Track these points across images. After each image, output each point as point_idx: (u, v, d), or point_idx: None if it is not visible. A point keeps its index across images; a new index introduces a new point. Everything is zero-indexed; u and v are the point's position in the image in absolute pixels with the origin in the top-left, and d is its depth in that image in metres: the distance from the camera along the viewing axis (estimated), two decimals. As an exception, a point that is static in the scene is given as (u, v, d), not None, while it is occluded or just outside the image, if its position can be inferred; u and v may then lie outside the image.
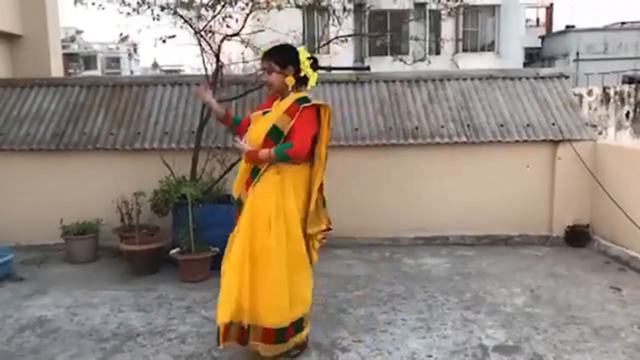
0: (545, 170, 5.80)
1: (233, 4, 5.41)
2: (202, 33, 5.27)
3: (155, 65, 48.07)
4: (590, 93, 9.30)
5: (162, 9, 5.28)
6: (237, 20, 5.53)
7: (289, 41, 5.56)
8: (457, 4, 6.56)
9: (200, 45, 5.29)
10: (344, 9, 5.96)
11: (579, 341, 3.51)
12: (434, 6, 7.20)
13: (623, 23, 27.22)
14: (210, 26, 5.36)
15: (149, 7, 5.29)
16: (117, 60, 49.74)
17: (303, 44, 6.62)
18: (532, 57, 26.25)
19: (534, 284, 4.55)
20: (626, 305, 4.10)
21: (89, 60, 48.64)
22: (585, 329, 3.68)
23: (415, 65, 7.77)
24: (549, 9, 31.18)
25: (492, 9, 23.66)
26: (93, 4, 5.67)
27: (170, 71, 34.56)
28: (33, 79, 6.34)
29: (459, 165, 5.79)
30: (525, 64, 24.00)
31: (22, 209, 5.68)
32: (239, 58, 5.95)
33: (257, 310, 3.07)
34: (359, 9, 15.24)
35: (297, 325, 3.20)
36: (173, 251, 4.83)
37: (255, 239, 3.11)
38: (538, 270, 4.95)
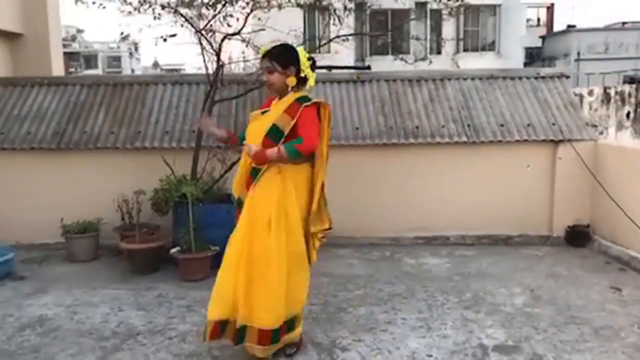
0: (546, 170, 5.80)
1: (234, 3, 5.41)
2: (203, 32, 5.27)
3: (156, 64, 48.13)
4: (590, 93, 9.30)
5: (163, 7, 5.28)
6: (237, 19, 5.54)
7: (290, 40, 5.57)
8: (458, 3, 6.55)
9: (201, 44, 5.30)
10: (345, 8, 5.95)
11: (579, 341, 3.51)
12: (434, 6, 7.18)
13: (624, 23, 27.23)
14: (211, 25, 5.36)
15: (150, 6, 5.29)
16: (118, 59, 49.78)
17: (304, 43, 6.61)
18: (533, 56, 26.27)
19: (534, 284, 4.56)
20: (626, 305, 4.10)
21: (90, 59, 48.69)
22: (585, 329, 3.68)
23: (416, 65, 7.75)
24: (550, 8, 31.21)
25: (493, 9, 23.66)
26: (94, 3, 5.68)
27: (171, 70, 34.61)
28: (34, 77, 6.34)
29: (460, 165, 5.79)
30: (526, 64, 24.02)
31: (22, 208, 5.68)
32: (239, 57, 5.95)
33: (252, 311, 3.06)
34: (359, 8, 15.24)
35: (290, 324, 3.20)
36: (173, 250, 4.83)
37: (255, 238, 3.10)
38: (538, 270, 4.95)
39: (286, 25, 6.03)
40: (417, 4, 19.37)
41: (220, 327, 3.12)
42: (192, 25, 5.27)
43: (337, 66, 7.93)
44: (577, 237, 5.69)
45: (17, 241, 5.48)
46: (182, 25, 5.35)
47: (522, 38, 24.38)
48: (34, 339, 3.60)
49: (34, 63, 7.32)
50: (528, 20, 29.59)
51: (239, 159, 3.64)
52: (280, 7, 5.64)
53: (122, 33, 7.00)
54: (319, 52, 7.41)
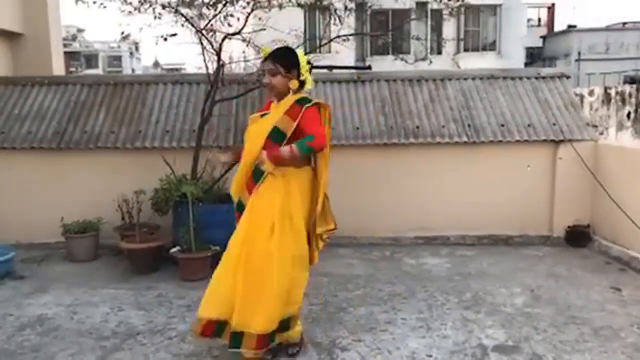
0: (546, 170, 5.80)
1: (234, 2, 5.41)
2: (204, 32, 5.27)
3: (156, 64, 48.14)
4: (591, 93, 9.31)
5: (164, 7, 5.28)
6: (238, 19, 5.54)
7: (291, 40, 5.57)
8: (459, 3, 6.55)
9: (202, 44, 5.30)
10: (346, 8, 5.95)
11: (579, 341, 3.51)
12: (435, 6, 7.18)
13: (625, 23, 27.20)
14: (212, 25, 5.37)
15: (150, 5, 5.29)
16: (118, 58, 49.80)
17: (304, 43, 6.60)
18: (534, 56, 26.26)
19: (534, 284, 4.55)
20: (626, 306, 4.10)
21: (91, 59, 48.72)
22: (585, 329, 3.68)
23: (416, 65, 7.76)
24: (551, 8, 31.20)
25: (494, 9, 23.65)
26: (94, 2, 5.68)
27: (172, 70, 34.63)
28: (34, 77, 6.34)
29: (460, 165, 5.79)
30: (526, 64, 24.01)
31: (22, 208, 5.68)
32: (240, 57, 5.96)
33: (250, 317, 3.02)
34: (360, 8, 15.23)
35: (285, 324, 3.19)
36: (173, 250, 4.83)
37: (255, 243, 3.07)
38: (538, 270, 4.95)
39: (287, 25, 6.03)
40: (417, 4, 19.38)
41: (217, 327, 3.12)
42: (192, 25, 5.27)
43: (337, 66, 7.93)
44: (577, 237, 5.69)
45: (17, 240, 5.48)
46: (182, 25, 5.35)
47: (523, 38, 24.37)
48: (33, 339, 3.60)
49: (34, 62, 7.32)
50: (529, 20, 29.59)
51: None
52: (280, 6, 5.64)
53: (122, 33, 6.99)
54: (320, 52, 7.41)
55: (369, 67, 10.13)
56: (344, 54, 11.34)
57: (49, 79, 6.37)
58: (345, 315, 3.93)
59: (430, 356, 3.33)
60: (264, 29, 5.66)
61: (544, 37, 27.38)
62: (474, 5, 19.47)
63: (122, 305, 4.16)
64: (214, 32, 5.39)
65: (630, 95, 8.34)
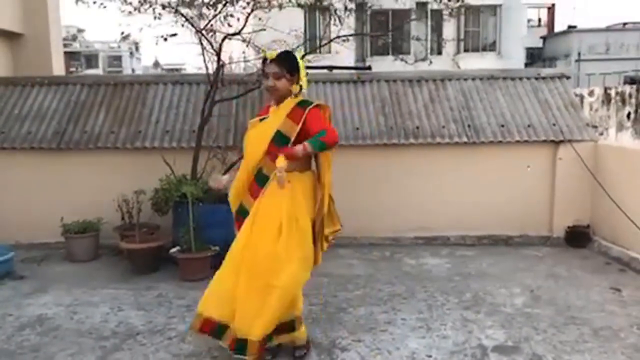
0: (546, 170, 5.80)
1: (234, 3, 5.41)
2: (204, 32, 5.27)
3: (156, 64, 48.15)
4: (591, 94, 9.31)
5: (164, 7, 5.28)
6: (238, 20, 5.54)
7: (291, 41, 5.58)
8: (459, 4, 6.56)
9: (202, 44, 5.30)
10: (346, 9, 5.95)
11: (579, 342, 3.51)
12: (435, 6, 7.18)
13: (625, 24, 27.18)
14: (212, 25, 5.37)
15: (150, 5, 5.29)
16: (118, 58, 49.80)
17: (304, 43, 6.60)
18: (534, 57, 26.23)
19: (534, 285, 4.55)
20: (626, 306, 4.10)
21: (91, 59, 48.72)
22: (584, 330, 3.68)
23: (416, 65, 7.77)
24: (551, 9, 31.17)
25: (494, 9, 23.65)
26: (94, 2, 5.69)
27: (172, 70, 34.63)
28: (34, 77, 6.34)
29: (460, 165, 5.79)
30: (526, 64, 23.99)
31: (22, 208, 5.68)
32: (240, 57, 5.95)
33: (249, 320, 3.01)
34: (360, 8, 15.24)
35: (289, 326, 3.20)
36: (173, 250, 4.83)
37: (260, 244, 3.05)
38: (538, 270, 4.95)
39: (287, 26, 6.04)
40: (417, 4, 19.36)
41: (217, 329, 3.11)
42: (192, 25, 5.27)
43: (337, 66, 7.94)
44: (577, 237, 5.69)
45: (17, 241, 5.48)
46: (182, 25, 5.36)
47: (523, 38, 24.37)
48: (33, 339, 3.60)
49: (34, 63, 7.33)
50: (529, 20, 29.56)
51: (239, 159, 3.63)
52: (280, 7, 5.64)
53: (122, 33, 6.99)
54: (320, 53, 7.42)
55: (369, 68, 10.13)
56: (344, 54, 11.36)
57: (49, 79, 6.37)
58: (345, 316, 3.93)
59: (430, 356, 3.33)
60: (264, 29, 5.66)
61: (544, 38, 27.36)
62: (474, 6, 19.45)
63: (122, 306, 4.16)
64: (214, 33, 5.39)
65: (630, 95, 8.34)
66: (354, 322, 3.82)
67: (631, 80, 13.85)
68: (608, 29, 25.84)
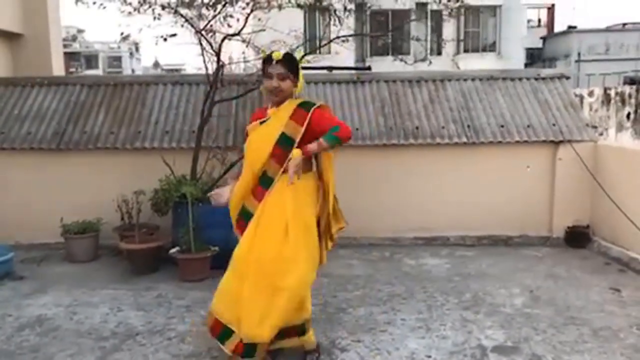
0: (546, 171, 5.80)
1: (234, 3, 5.40)
2: (203, 32, 5.27)
3: (156, 64, 48.20)
4: (591, 94, 9.31)
5: (163, 8, 5.28)
6: (238, 20, 5.53)
7: (290, 41, 5.58)
8: (458, 4, 6.56)
9: (201, 44, 5.30)
10: (345, 9, 5.95)
11: (578, 342, 3.51)
12: (435, 6, 7.18)
13: (625, 24, 27.19)
14: (211, 25, 5.36)
15: (150, 6, 5.28)
16: (118, 59, 49.83)
17: (304, 44, 6.60)
18: (534, 57, 26.25)
19: (533, 285, 4.56)
20: (625, 307, 4.10)
21: (91, 59, 48.75)
22: (584, 330, 3.68)
23: (416, 66, 7.75)
24: (551, 9, 31.19)
25: (494, 10, 23.64)
26: (94, 3, 5.67)
27: (172, 70, 34.65)
28: (34, 77, 6.34)
29: (460, 166, 5.79)
30: (526, 65, 24.01)
31: (22, 208, 5.68)
32: (239, 57, 5.95)
33: (255, 323, 2.97)
34: (360, 8, 15.21)
35: (300, 329, 3.18)
36: (173, 250, 4.83)
37: (266, 246, 3.01)
38: (538, 271, 4.95)
39: (286, 26, 6.04)
40: (417, 4, 19.35)
41: (224, 332, 3.09)
42: (192, 26, 5.27)
43: (337, 67, 7.94)
44: (577, 238, 5.69)
45: (17, 241, 5.48)
46: (182, 26, 5.35)
47: (523, 39, 24.36)
48: (33, 339, 3.60)
49: (34, 63, 7.33)
50: (529, 21, 29.58)
51: (239, 159, 3.62)
52: (280, 7, 5.63)
53: (122, 33, 6.98)
54: (320, 53, 7.42)
55: (369, 68, 10.14)
56: (343, 54, 11.36)
57: (48, 79, 6.37)
58: (344, 316, 3.93)
59: (430, 357, 3.33)
60: (264, 30, 5.66)
61: (543, 38, 27.38)
62: (474, 6, 19.46)
63: (122, 306, 4.16)
64: (214, 33, 5.39)
65: (630, 96, 8.33)
66: (354, 322, 3.82)
67: (631, 81, 13.87)
68: (608, 30, 25.85)
